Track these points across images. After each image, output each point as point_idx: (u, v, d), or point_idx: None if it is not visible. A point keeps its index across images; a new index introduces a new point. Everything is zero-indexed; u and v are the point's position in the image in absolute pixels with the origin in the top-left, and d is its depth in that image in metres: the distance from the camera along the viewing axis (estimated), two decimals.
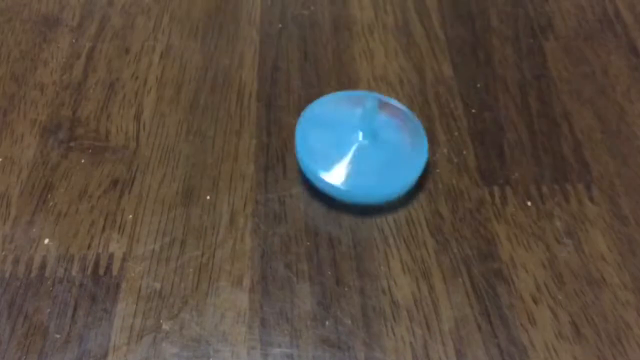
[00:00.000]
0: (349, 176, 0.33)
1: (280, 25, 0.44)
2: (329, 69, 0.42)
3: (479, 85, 0.41)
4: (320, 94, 0.39)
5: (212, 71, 0.42)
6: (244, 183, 0.36)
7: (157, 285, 0.32)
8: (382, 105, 0.36)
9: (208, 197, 0.35)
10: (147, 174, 0.36)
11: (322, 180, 0.34)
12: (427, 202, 0.35)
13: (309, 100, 0.38)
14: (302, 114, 0.36)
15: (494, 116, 0.39)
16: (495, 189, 0.36)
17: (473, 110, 0.39)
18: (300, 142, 0.35)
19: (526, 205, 0.35)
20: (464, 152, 0.37)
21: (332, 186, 0.33)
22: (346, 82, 0.41)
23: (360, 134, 0.34)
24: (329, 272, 0.32)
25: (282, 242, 0.33)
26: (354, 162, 0.34)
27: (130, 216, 0.35)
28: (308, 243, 0.33)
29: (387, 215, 0.35)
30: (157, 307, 0.31)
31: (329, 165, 0.34)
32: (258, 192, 0.35)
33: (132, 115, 0.39)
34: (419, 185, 0.36)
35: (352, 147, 0.34)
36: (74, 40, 0.43)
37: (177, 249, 0.33)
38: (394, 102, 0.37)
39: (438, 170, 0.36)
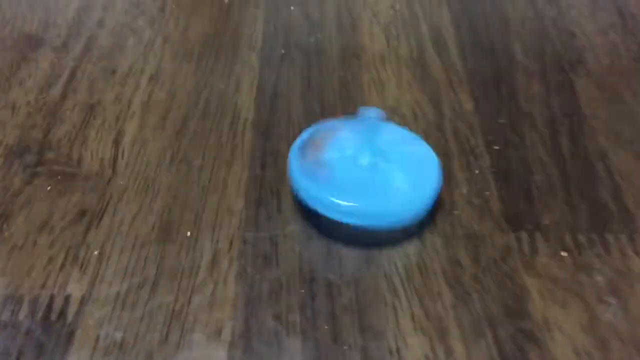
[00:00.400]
0: (351, 197, 0.30)
1: (283, 51, 0.41)
2: (334, 99, 0.38)
3: (502, 121, 0.37)
4: None
5: (205, 96, 0.38)
6: (231, 219, 0.31)
7: (119, 335, 0.27)
8: (387, 127, 0.33)
9: (188, 234, 0.31)
10: (120, 205, 0.32)
11: (322, 202, 0.30)
12: (444, 248, 0.30)
13: None
14: (297, 139, 0.33)
15: (519, 154, 0.35)
16: (523, 234, 0.31)
17: (496, 147, 0.35)
18: (294, 162, 0.31)
19: (560, 255, 0.30)
20: (487, 193, 0.33)
21: (334, 205, 0.30)
22: (353, 112, 0.36)
23: (364, 155, 0.31)
24: (326, 327, 0.28)
25: (272, 288, 0.29)
26: (357, 183, 0.30)
27: (96, 252, 0.30)
28: (302, 291, 0.29)
29: (397, 262, 0.30)
30: None
31: (329, 187, 0.30)
32: (247, 230, 0.31)
33: (110, 141, 0.35)
34: (434, 228, 0.31)
35: (355, 168, 0.31)
36: (55, 60, 0.40)
37: (147, 293, 0.29)
38: (396, 126, 0.34)
39: (456, 212, 0.32)
